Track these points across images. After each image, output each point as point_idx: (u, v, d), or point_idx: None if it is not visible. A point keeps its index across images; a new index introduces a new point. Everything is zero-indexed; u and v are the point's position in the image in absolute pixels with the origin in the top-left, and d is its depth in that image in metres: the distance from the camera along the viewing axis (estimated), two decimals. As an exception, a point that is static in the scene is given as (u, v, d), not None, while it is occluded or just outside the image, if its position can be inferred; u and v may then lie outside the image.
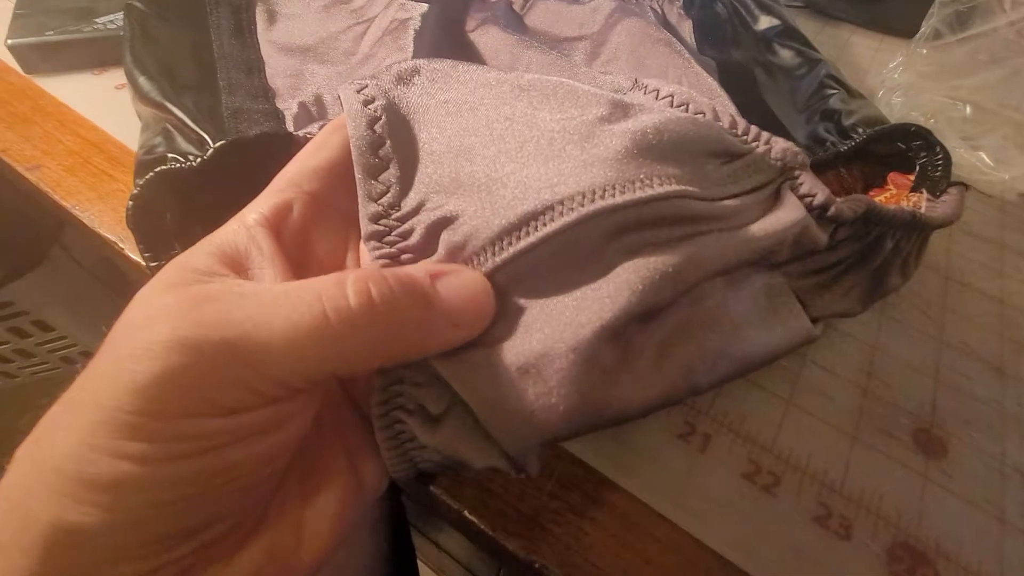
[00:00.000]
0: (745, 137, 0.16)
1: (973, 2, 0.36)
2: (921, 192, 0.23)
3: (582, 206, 0.14)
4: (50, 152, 0.27)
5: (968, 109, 0.35)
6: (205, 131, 0.22)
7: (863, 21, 0.43)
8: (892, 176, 0.26)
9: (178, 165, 0.20)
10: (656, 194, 0.14)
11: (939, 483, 0.20)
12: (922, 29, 0.36)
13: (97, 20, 0.32)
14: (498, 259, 0.15)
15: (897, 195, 0.26)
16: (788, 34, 0.31)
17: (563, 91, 0.16)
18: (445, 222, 0.15)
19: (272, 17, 0.30)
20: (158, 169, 0.20)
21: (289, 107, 0.26)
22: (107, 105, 0.30)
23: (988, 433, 0.21)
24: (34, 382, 0.67)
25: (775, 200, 0.16)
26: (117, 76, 0.31)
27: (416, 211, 0.16)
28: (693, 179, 0.15)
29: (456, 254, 0.15)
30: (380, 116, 0.17)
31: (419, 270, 0.14)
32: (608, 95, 0.16)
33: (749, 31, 0.32)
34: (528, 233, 0.14)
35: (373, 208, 0.16)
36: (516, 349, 0.14)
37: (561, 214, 0.14)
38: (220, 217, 0.22)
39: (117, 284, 0.60)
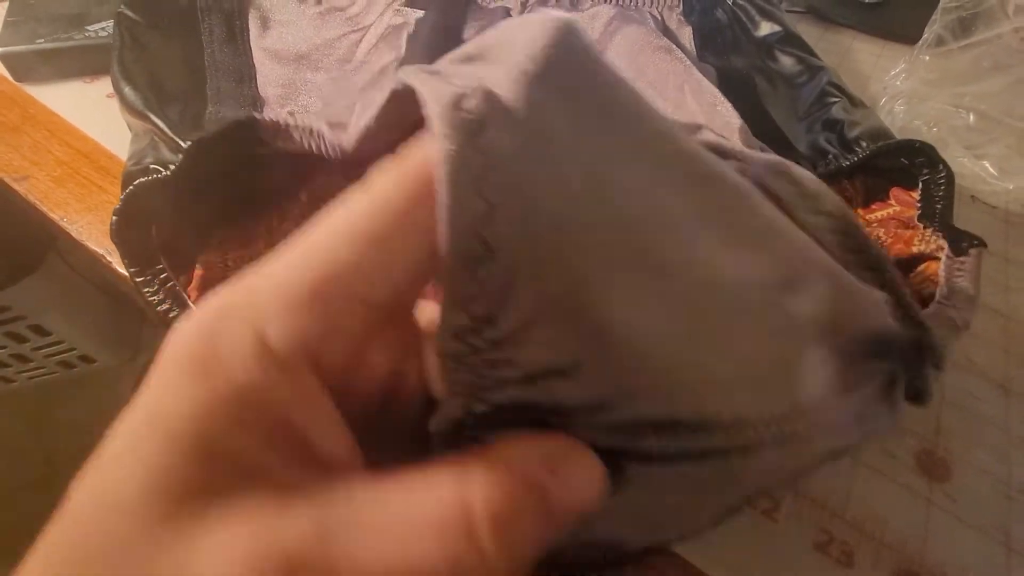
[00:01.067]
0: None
1: (976, 8, 0.35)
2: (940, 237, 0.21)
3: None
4: (39, 162, 0.27)
5: (972, 117, 0.34)
6: (186, 141, 0.22)
7: (865, 27, 0.42)
8: (895, 192, 0.25)
9: (157, 176, 0.20)
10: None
11: (944, 507, 0.19)
12: (925, 35, 0.35)
13: (89, 27, 0.32)
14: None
15: (908, 223, 0.25)
16: (789, 40, 0.31)
17: (745, 205, 0.12)
18: (555, 373, 0.11)
19: (265, 23, 0.30)
20: (137, 181, 0.20)
21: (278, 117, 0.25)
22: (98, 114, 0.29)
23: (994, 454, 0.21)
24: (31, 387, 0.67)
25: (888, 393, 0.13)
26: (109, 85, 0.31)
27: (519, 337, 0.11)
28: (839, 389, 0.12)
29: (561, 418, 0.11)
30: (487, 174, 0.10)
31: (534, 460, 0.11)
32: (783, 222, 0.12)
33: (750, 37, 0.31)
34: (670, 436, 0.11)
35: (459, 320, 0.11)
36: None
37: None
38: (207, 229, 0.22)
39: (113, 290, 0.60)
